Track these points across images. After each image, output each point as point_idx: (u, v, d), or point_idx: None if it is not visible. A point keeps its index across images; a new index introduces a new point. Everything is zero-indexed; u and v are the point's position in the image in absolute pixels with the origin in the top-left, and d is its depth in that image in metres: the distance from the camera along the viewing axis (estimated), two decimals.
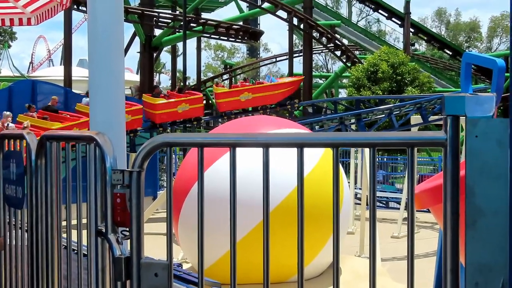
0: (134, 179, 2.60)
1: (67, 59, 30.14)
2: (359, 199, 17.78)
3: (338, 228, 2.40)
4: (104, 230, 2.69)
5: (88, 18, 4.30)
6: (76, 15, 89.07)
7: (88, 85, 4.23)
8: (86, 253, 3.18)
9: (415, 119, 16.73)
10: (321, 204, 8.33)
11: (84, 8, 27.79)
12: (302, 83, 31.41)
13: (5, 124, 15.78)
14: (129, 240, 2.61)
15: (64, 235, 3.31)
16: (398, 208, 21.04)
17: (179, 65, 45.54)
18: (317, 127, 16.46)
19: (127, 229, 2.63)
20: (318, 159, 10.54)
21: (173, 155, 25.82)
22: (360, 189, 17.10)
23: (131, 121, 19.18)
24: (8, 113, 16.34)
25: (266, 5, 29.97)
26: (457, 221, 2.22)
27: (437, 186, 3.98)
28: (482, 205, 2.17)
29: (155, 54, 33.66)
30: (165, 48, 46.47)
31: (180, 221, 10.98)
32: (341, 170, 8.60)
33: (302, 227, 2.39)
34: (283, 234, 7.60)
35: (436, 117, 16.81)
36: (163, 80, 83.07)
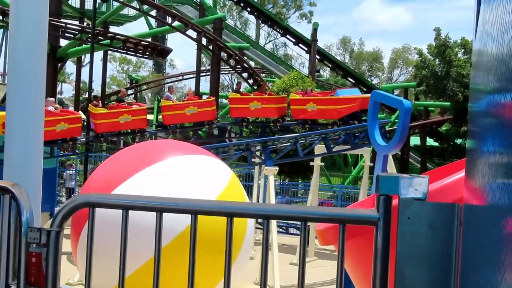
0: (52, 238, 2.45)
1: None
2: (261, 223, 17.85)
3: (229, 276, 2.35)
4: None
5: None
6: None
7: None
8: None
9: (320, 148, 17.02)
10: (223, 234, 8.25)
11: None
12: None
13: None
14: None
15: None
16: (298, 234, 21.32)
17: (83, 76, 44.54)
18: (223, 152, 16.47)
19: None
20: (224, 188, 10.48)
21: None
22: None
23: (68, 129, 19.30)
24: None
25: (176, 23, 29.77)
26: None
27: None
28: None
29: (59, 64, 32.73)
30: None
31: (80, 243, 10.61)
32: (245, 193, 8.58)
33: (193, 265, 2.33)
34: (180, 267, 7.46)
35: (339, 148, 17.18)
36: (66, 90, 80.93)
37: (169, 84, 53.43)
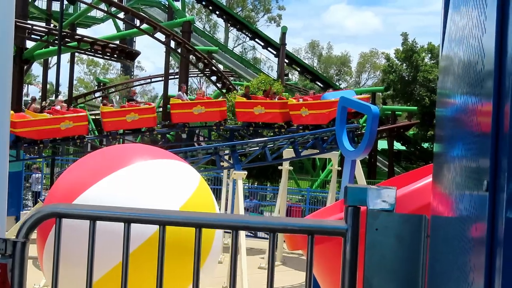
0: (18, 249, 2.42)
1: None
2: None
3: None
4: None
5: None
6: None
7: None
8: None
9: (288, 152, 17.08)
10: (193, 237, 8.22)
11: None
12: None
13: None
14: None
15: None
16: (267, 238, 21.36)
17: (50, 77, 44.07)
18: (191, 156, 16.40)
19: None
20: (192, 192, 10.44)
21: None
22: None
23: (74, 128, 19.66)
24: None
25: (144, 26, 29.61)
26: None
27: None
28: None
29: (25, 67, 32.34)
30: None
31: (46, 249, 10.48)
32: (213, 198, 8.57)
33: (161, 275, 2.32)
34: (148, 271, 7.42)
35: (308, 152, 17.25)
36: (32, 91, 79.93)
37: (135, 87, 53.06)
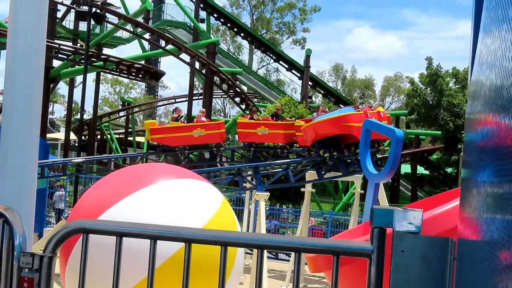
0: (45, 264, 2.44)
1: None
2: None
3: None
4: None
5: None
6: None
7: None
8: None
9: (311, 174, 17.03)
10: (216, 257, 8.20)
11: None
12: None
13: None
14: None
15: None
16: (288, 260, 21.24)
17: (75, 96, 44.55)
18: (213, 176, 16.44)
19: None
20: (214, 212, 10.45)
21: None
22: None
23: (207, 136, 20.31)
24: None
25: (169, 46, 29.87)
26: None
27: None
28: None
29: (51, 85, 32.74)
30: None
31: (69, 265, 10.54)
32: (235, 218, 8.57)
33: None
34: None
35: (330, 174, 17.18)
36: (57, 110, 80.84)
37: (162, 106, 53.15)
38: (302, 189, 18.97)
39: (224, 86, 33.50)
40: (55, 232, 2.44)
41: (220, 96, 51.87)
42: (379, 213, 2.21)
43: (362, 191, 16.61)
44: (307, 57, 39.81)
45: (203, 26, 38.57)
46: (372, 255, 2.22)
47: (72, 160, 21.53)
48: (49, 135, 43.82)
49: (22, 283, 2.47)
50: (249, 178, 16.82)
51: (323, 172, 16.46)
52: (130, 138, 45.60)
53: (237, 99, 34.61)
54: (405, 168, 43.24)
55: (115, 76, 56.27)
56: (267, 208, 29.02)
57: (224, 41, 69.97)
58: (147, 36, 35.63)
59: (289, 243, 2.39)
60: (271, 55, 43.54)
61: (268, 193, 15.52)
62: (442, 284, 2.18)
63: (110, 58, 30.54)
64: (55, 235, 2.43)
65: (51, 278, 2.46)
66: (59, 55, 29.60)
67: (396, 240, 2.18)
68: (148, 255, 2.47)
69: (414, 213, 2.19)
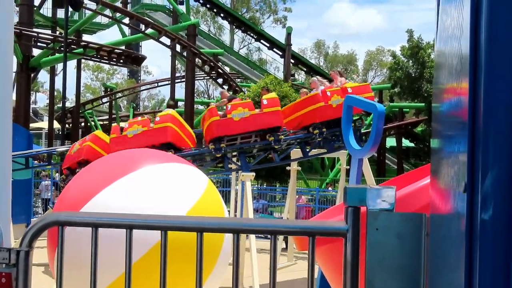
0: (21, 258, 2.44)
1: None
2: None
3: None
4: None
5: None
6: None
7: None
8: None
9: (296, 152, 17.02)
10: (206, 242, 8.22)
11: None
12: (184, 109, 31.24)
13: None
14: None
15: None
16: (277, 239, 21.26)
17: (57, 84, 44.16)
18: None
19: None
20: (200, 195, 10.45)
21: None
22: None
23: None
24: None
25: (149, 30, 29.68)
26: None
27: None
28: None
29: (32, 74, 32.47)
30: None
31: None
32: (221, 201, 8.56)
33: (164, 282, 2.34)
34: (156, 280, 7.43)
35: (315, 151, 17.18)
36: (40, 99, 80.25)
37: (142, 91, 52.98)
38: (288, 168, 18.96)
39: (206, 68, 33.38)
40: (30, 226, 2.43)
41: (202, 78, 51.73)
42: (352, 192, 2.22)
43: (348, 167, 16.58)
44: (288, 35, 39.67)
45: (182, 8, 38.28)
46: (347, 234, 2.23)
47: (57, 149, 21.38)
48: (32, 125, 43.50)
49: (0, 278, 2.47)
50: (234, 159, 16.79)
51: (307, 150, 16.43)
52: (114, 124, 45.41)
53: (220, 80, 34.52)
54: (391, 142, 43.48)
55: (96, 63, 55.93)
56: (255, 188, 29.08)
57: (205, 22, 69.59)
58: (126, 20, 35.36)
59: (264, 226, 2.40)
60: (252, 35, 43.41)
61: (254, 174, 15.50)
62: (418, 259, 2.20)
63: (90, 44, 30.36)
64: (30, 229, 2.43)
65: (29, 272, 2.47)
66: (39, 44, 29.36)
67: (370, 218, 2.19)
68: (133, 245, 2.46)
69: (387, 190, 2.20)
